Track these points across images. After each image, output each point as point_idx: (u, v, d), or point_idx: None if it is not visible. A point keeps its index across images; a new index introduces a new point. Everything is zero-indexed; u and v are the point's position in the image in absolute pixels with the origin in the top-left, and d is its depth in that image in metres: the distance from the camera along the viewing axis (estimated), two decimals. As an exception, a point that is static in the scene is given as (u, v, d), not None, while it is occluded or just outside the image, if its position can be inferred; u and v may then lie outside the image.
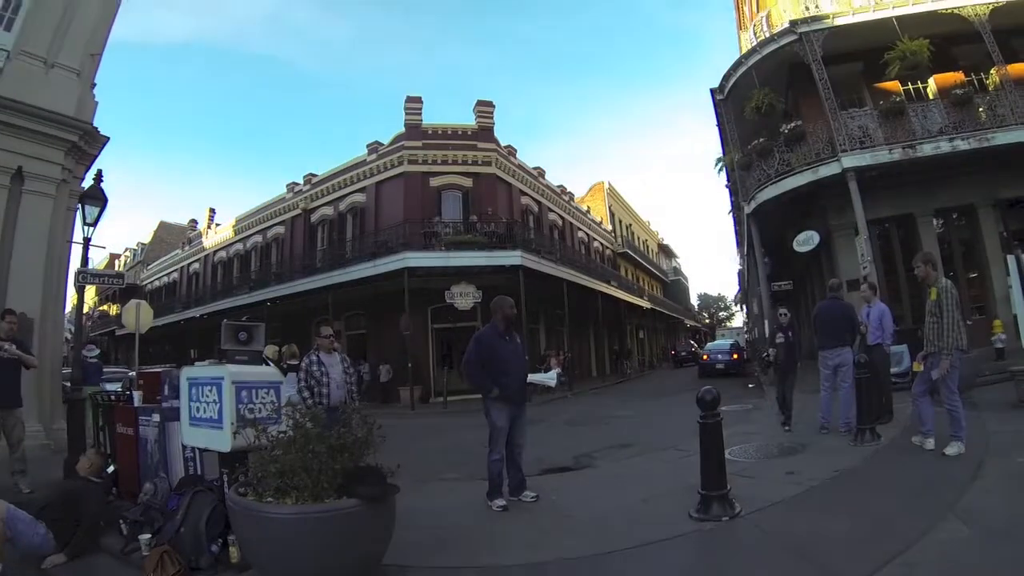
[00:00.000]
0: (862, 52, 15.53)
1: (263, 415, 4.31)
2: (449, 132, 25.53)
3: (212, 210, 40.14)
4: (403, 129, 25.20)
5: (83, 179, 11.00)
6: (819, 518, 4.60)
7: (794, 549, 4.00)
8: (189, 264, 39.96)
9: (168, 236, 49.36)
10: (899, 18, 14.44)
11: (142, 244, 52.39)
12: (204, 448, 4.70)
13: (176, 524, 4.30)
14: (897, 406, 8.23)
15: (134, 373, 15.13)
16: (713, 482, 4.80)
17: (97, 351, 14.13)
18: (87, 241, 8.57)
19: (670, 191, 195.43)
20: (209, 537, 4.15)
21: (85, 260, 9.01)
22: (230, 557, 4.06)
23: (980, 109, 14.04)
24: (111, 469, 5.95)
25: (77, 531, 4.69)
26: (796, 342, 9.51)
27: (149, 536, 4.40)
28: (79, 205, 9.15)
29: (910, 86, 15.94)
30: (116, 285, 11.06)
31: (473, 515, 5.45)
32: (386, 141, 25.99)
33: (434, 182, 24.91)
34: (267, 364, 6.66)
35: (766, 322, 18.35)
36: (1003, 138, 13.39)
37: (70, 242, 10.91)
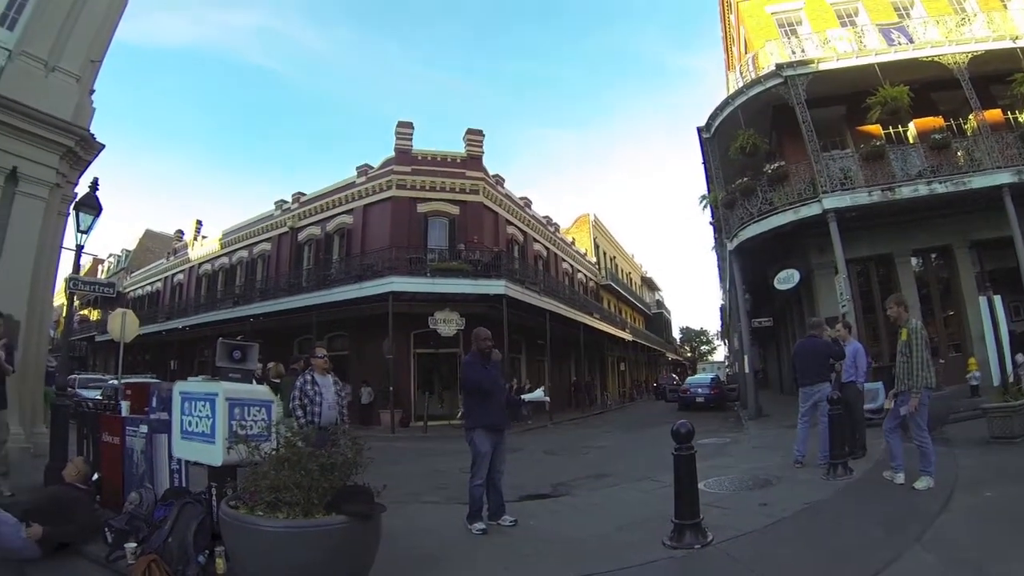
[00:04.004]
0: (845, 96, 16.04)
1: (254, 432, 4.41)
2: (438, 159, 25.67)
3: (199, 222, 40.00)
4: (393, 153, 25.32)
5: (76, 184, 11.04)
6: (788, 548, 4.76)
7: (763, 577, 4.14)
8: (173, 275, 39.63)
9: (153, 245, 48.89)
10: (881, 65, 14.96)
11: (127, 251, 51.77)
12: (195, 461, 4.78)
13: (164, 534, 4.38)
14: (872, 442, 8.40)
15: (115, 381, 15.13)
16: (686, 511, 4.93)
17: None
18: (79, 248, 8.59)
19: (655, 225, 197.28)
20: (196, 548, 4.23)
21: (77, 267, 9.03)
22: (216, 568, 4.13)
23: (958, 153, 14.49)
24: (96, 477, 5.99)
25: (66, 528, 4.78)
26: None
27: (135, 545, 4.47)
28: (71, 211, 9.19)
29: (891, 130, 16.46)
30: (107, 294, 11.04)
31: (453, 537, 5.54)
32: (376, 164, 26.06)
33: (421, 208, 25.02)
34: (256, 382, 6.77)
35: (746, 357, 18.59)
36: (980, 181, 13.82)
37: (60, 247, 10.93)
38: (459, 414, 19.28)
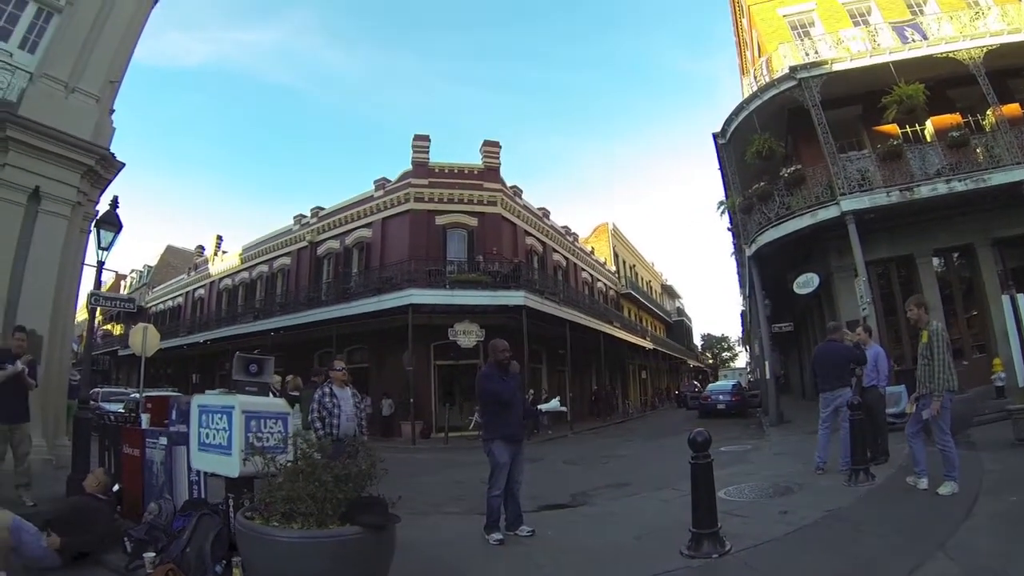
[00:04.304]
0: (860, 96, 15.85)
1: (271, 444, 4.47)
2: (455, 171, 25.80)
3: (219, 237, 40.56)
4: (410, 167, 25.49)
5: (97, 202, 11.23)
6: (808, 556, 4.69)
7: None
8: (194, 290, 40.14)
9: (175, 260, 49.61)
10: (896, 63, 14.77)
11: (148, 266, 52.58)
12: (212, 473, 4.83)
13: (182, 544, 4.43)
14: (894, 447, 8.24)
15: (136, 394, 15.35)
16: (704, 520, 4.87)
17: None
18: (100, 265, 8.76)
19: (675, 232, 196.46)
20: (214, 558, 4.28)
21: (98, 283, 9.19)
22: (233, 578, 4.16)
23: (977, 150, 14.23)
24: (116, 488, 6.07)
25: (85, 537, 4.85)
26: None
27: (154, 554, 4.53)
28: (93, 229, 9.36)
29: (908, 129, 16.20)
30: (127, 309, 11.21)
31: (471, 548, 5.54)
32: (393, 178, 26.23)
33: (440, 220, 25.13)
34: (272, 394, 6.85)
35: (767, 363, 18.42)
36: (999, 178, 13.53)
37: (82, 264, 11.11)
38: (471, 425, 19.40)
